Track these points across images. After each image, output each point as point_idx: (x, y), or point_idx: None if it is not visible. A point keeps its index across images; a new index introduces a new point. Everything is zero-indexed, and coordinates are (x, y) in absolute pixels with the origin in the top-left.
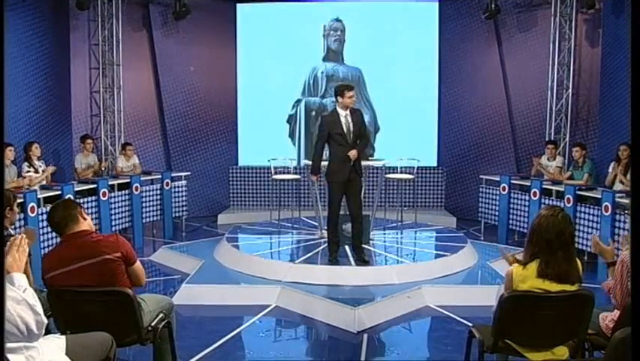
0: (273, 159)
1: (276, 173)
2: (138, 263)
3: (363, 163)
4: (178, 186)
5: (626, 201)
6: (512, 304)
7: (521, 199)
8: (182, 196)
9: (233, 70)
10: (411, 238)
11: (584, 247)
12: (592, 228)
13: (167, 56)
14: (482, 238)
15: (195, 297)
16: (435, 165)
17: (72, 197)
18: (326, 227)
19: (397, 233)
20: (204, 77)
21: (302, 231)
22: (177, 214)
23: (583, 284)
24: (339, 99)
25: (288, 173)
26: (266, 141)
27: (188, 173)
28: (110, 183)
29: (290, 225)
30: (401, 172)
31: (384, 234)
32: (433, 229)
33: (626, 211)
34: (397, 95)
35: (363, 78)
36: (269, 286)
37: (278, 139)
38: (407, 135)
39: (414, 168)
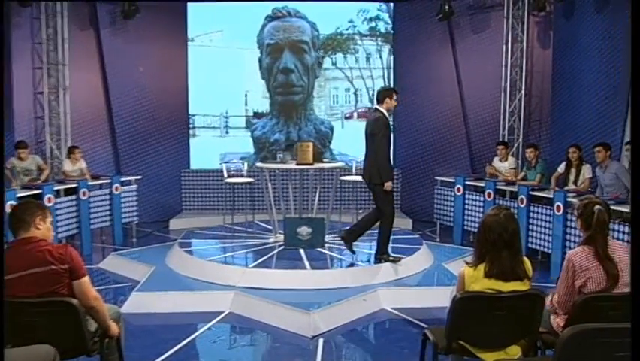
0: (226, 162)
1: (229, 176)
2: (86, 280)
3: (317, 166)
4: (128, 191)
5: (575, 200)
6: (464, 305)
7: (476, 200)
8: (133, 201)
9: (184, 70)
10: (367, 240)
11: (538, 247)
12: (545, 227)
13: (116, 55)
14: (438, 240)
15: (146, 305)
16: None
17: (15, 203)
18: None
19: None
20: (155, 78)
21: (256, 235)
22: (127, 220)
23: (537, 283)
24: (388, 101)
25: (242, 176)
26: (218, 143)
27: (139, 177)
28: (56, 188)
29: (244, 229)
30: (356, 174)
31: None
32: None
33: (574, 212)
34: (352, 98)
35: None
36: (222, 292)
37: (231, 141)
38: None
39: None
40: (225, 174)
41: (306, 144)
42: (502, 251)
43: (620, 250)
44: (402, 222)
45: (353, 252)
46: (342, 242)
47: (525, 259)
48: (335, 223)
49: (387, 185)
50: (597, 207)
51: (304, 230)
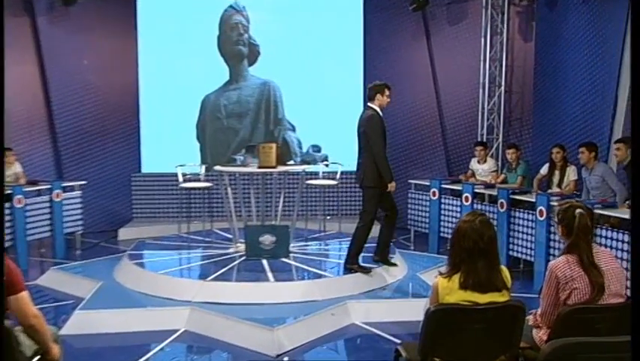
0: (181, 165)
1: (184, 180)
2: (24, 296)
3: (281, 169)
4: (71, 198)
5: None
6: (438, 318)
7: (453, 205)
8: (76, 209)
9: (134, 64)
10: (335, 249)
11: (520, 255)
12: (527, 234)
13: (55, 46)
14: (412, 248)
15: (92, 325)
16: None
17: None
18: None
19: (320, 244)
20: (100, 72)
21: (214, 245)
22: (70, 230)
23: (519, 294)
24: (379, 97)
25: (198, 180)
26: (172, 144)
27: (83, 182)
28: None
29: (201, 238)
30: (323, 178)
31: (306, 246)
32: None
33: (554, 218)
34: (318, 95)
35: (277, 93)
36: (177, 308)
37: (186, 142)
38: (329, 138)
39: (337, 173)
40: (180, 179)
41: (269, 145)
42: (477, 260)
43: (606, 259)
44: (373, 230)
45: (394, 264)
46: (349, 270)
47: (503, 268)
48: (301, 231)
49: (391, 186)
50: (578, 211)
51: (267, 239)
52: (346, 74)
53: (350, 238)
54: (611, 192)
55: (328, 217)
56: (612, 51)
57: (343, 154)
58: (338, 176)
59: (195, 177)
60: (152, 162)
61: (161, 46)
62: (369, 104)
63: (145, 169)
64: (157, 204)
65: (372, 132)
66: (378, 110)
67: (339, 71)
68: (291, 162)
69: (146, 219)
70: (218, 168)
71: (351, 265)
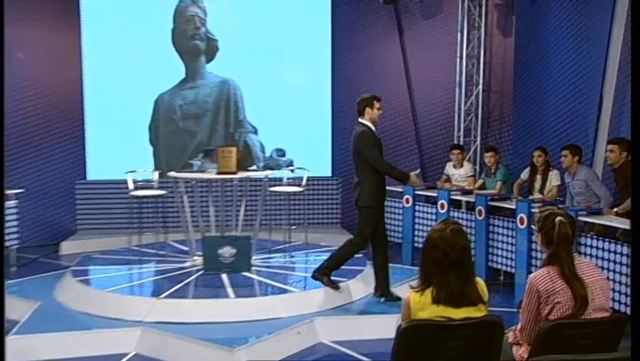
0: (132, 171)
1: (135, 188)
2: None
3: (242, 175)
4: (6, 208)
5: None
6: (411, 336)
7: (428, 213)
8: (12, 220)
9: (78, 58)
10: (301, 261)
11: (500, 266)
12: (507, 243)
13: None
14: None
15: (29, 351)
16: (329, 174)
17: None
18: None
19: (285, 256)
20: (38, 67)
21: (169, 258)
22: (5, 244)
23: (499, 309)
24: (369, 111)
25: (151, 188)
26: (122, 148)
27: (20, 190)
28: None
29: (154, 251)
30: (288, 184)
31: (269, 258)
32: (327, 249)
33: (533, 226)
34: (282, 95)
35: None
36: (127, 330)
37: (137, 146)
38: (294, 141)
39: (303, 179)
40: (131, 186)
41: (229, 149)
42: (449, 272)
43: (589, 270)
44: (343, 240)
45: (399, 298)
46: (315, 278)
47: (479, 280)
48: (264, 242)
49: (413, 180)
50: (558, 218)
51: (227, 251)
52: (313, 71)
53: (318, 249)
54: (596, 198)
55: (294, 227)
56: (597, 47)
57: (309, 159)
58: (304, 182)
59: (148, 185)
60: (98, 167)
61: (109, 39)
62: (359, 119)
63: (91, 176)
64: (104, 215)
65: (364, 147)
66: (369, 125)
67: (305, 69)
68: (253, 167)
69: (92, 231)
70: (172, 174)
71: (321, 275)
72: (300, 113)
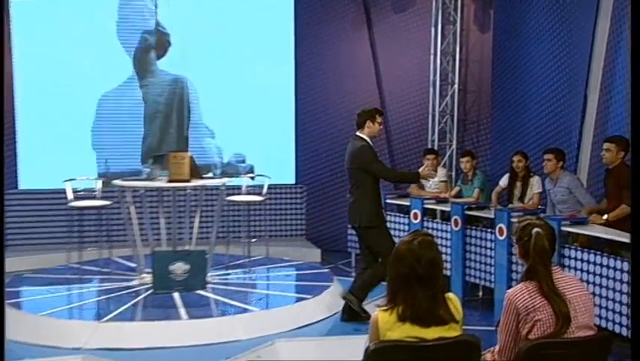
0: (71, 180)
1: (75, 198)
2: None
3: (196, 183)
4: None
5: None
6: (380, 358)
7: (400, 223)
8: None
9: (6, 52)
10: (262, 278)
11: (478, 280)
12: (485, 256)
13: None
14: (354, 274)
15: None
16: (292, 182)
17: None
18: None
19: (244, 273)
20: None
21: (114, 276)
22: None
23: (477, 328)
24: (370, 125)
25: (93, 198)
26: (60, 154)
27: None
28: None
29: (97, 269)
30: (248, 193)
31: (227, 274)
32: (290, 264)
33: (513, 237)
34: (242, 94)
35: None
36: (65, 358)
37: (78, 152)
38: (255, 146)
39: (264, 187)
40: (70, 196)
41: (182, 154)
42: (416, 288)
43: (572, 285)
44: (308, 254)
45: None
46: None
47: (452, 296)
48: (221, 257)
49: (424, 172)
50: (535, 230)
51: (179, 267)
52: (275, 70)
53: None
54: (580, 206)
55: (254, 240)
56: (581, 44)
57: (271, 165)
58: (265, 191)
59: (89, 194)
60: (32, 175)
61: (45, 32)
62: (357, 133)
63: (23, 185)
64: (39, 228)
65: (367, 162)
66: (367, 139)
67: (267, 67)
68: (209, 174)
69: (25, 248)
70: (118, 182)
71: (355, 298)
72: (262, 114)
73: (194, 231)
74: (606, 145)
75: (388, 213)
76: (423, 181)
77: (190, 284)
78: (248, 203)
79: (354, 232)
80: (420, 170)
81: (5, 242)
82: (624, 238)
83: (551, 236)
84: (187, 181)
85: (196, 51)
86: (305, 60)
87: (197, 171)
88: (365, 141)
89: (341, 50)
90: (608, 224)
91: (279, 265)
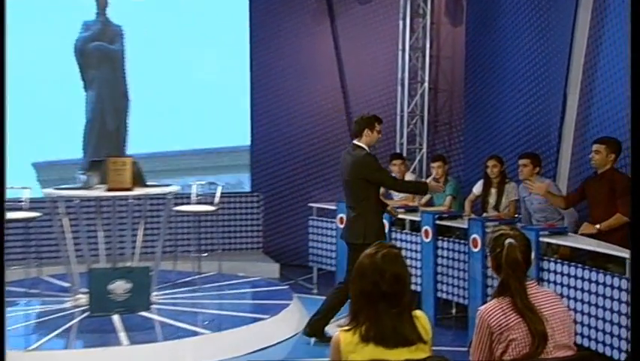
0: None
1: None
2: None
3: (139, 191)
4: None
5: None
6: None
7: None
8: None
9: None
10: (213, 297)
11: (451, 296)
12: (458, 269)
13: None
14: (316, 291)
15: None
16: (248, 189)
17: None
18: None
19: (193, 291)
20: None
21: (44, 298)
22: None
23: (449, 348)
24: (368, 133)
25: (20, 209)
26: None
27: None
28: None
29: (23, 290)
30: (198, 202)
31: (174, 293)
32: (245, 281)
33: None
34: (190, 94)
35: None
36: None
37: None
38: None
39: (216, 195)
40: None
41: (122, 160)
42: (379, 305)
43: (549, 301)
44: (265, 269)
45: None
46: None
47: (420, 314)
48: (167, 274)
49: (432, 184)
50: (508, 240)
51: (120, 286)
52: (227, 66)
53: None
54: (558, 215)
55: (205, 255)
56: (560, 39)
57: (226, 170)
58: (217, 200)
59: (15, 205)
60: None
61: None
62: (355, 141)
63: None
64: None
65: (371, 172)
66: (367, 148)
67: (218, 63)
68: (154, 182)
69: None
70: (49, 191)
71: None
72: (212, 114)
73: (136, 245)
74: (595, 147)
75: None
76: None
77: (132, 305)
78: (198, 213)
79: (315, 245)
80: (428, 180)
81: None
82: (612, 250)
83: (526, 248)
84: (129, 190)
85: (140, 47)
86: (261, 55)
87: (140, 178)
88: (364, 149)
89: (301, 44)
90: (599, 234)
91: (232, 281)
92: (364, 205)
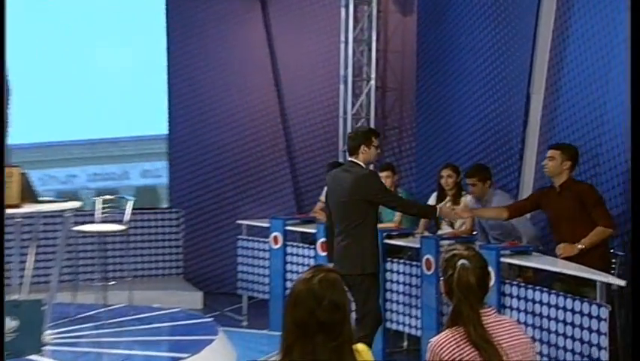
0: None
1: None
2: None
3: (30, 208)
4: None
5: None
6: None
7: (305, 256)
8: None
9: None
10: (122, 334)
11: (401, 327)
12: (410, 295)
13: None
14: (246, 323)
15: None
16: (165, 205)
17: None
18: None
19: (97, 328)
20: None
21: None
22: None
23: None
24: (365, 150)
25: None
26: None
27: None
28: None
29: None
30: (104, 220)
31: (73, 331)
32: (161, 314)
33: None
34: (97, 90)
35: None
36: None
37: None
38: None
39: (126, 212)
40: None
41: (8, 170)
42: (316, 337)
43: (509, 331)
44: (186, 298)
45: None
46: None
47: (360, 348)
48: (65, 307)
49: (445, 209)
50: (461, 262)
51: (5, 325)
52: (141, 62)
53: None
54: (516, 233)
55: (112, 283)
56: (523, 31)
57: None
58: (127, 217)
59: None
60: None
61: None
62: (351, 159)
63: None
64: None
65: (376, 192)
66: (364, 167)
67: (130, 59)
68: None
69: None
70: None
71: None
72: (123, 117)
73: (26, 273)
74: (550, 152)
75: (289, 243)
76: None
77: (19, 347)
78: (104, 234)
79: (245, 269)
80: (440, 205)
81: None
82: (585, 272)
83: (481, 270)
84: (16, 206)
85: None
86: (180, 48)
87: (30, 192)
88: (365, 167)
89: (227, 34)
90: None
91: (146, 315)
92: (361, 231)
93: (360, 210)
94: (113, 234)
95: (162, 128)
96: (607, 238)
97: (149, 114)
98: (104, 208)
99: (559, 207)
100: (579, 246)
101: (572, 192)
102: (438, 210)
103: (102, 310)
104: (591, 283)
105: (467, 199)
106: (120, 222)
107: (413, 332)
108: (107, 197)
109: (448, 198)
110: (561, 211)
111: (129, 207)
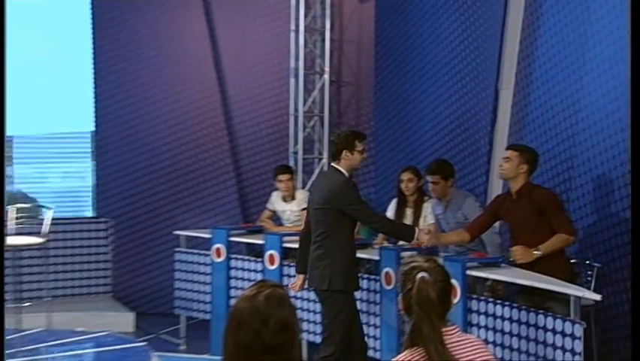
0: None
1: None
2: None
3: None
4: None
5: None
6: None
7: (251, 270)
8: None
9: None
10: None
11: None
12: (367, 313)
13: None
14: (184, 348)
15: None
16: (91, 214)
17: None
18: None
19: (10, 356)
20: None
21: None
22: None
23: None
24: (347, 155)
25: None
26: None
27: None
28: None
29: None
30: (17, 232)
31: None
32: (86, 339)
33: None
34: (13, 85)
35: None
36: None
37: None
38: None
39: (44, 223)
40: None
41: None
42: None
43: (474, 350)
44: (115, 320)
45: None
46: None
47: None
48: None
49: (422, 237)
50: (420, 274)
51: None
52: (63, 51)
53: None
54: (479, 240)
55: (26, 304)
56: (491, 21)
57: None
58: (46, 228)
59: None
60: None
61: None
62: (333, 164)
63: None
64: None
65: (349, 203)
66: (346, 173)
67: (51, 48)
68: None
69: None
70: None
71: None
72: (43, 114)
73: None
74: (508, 153)
75: (233, 256)
76: (280, 210)
77: None
78: (18, 248)
79: (183, 286)
80: (418, 228)
81: None
82: (559, 286)
83: (443, 284)
84: None
85: None
86: (108, 38)
87: None
88: (343, 174)
89: (164, 23)
90: (533, 263)
91: (67, 340)
92: (332, 242)
93: (332, 220)
94: (30, 247)
95: (88, 125)
96: (568, 246)
97: (72, 109)
98: (17, 218)
99: (517, 215)
100: (536, 252)
101: (530, 198)
102: (417, 232)
103: (15, 335)
104: (558, 296)
105: (432, 204)
106: (38, 234)
107: (371, 353)
108: (21, 205)
109: (408, 204)
110: (519, 220)
111: (48, 217)
